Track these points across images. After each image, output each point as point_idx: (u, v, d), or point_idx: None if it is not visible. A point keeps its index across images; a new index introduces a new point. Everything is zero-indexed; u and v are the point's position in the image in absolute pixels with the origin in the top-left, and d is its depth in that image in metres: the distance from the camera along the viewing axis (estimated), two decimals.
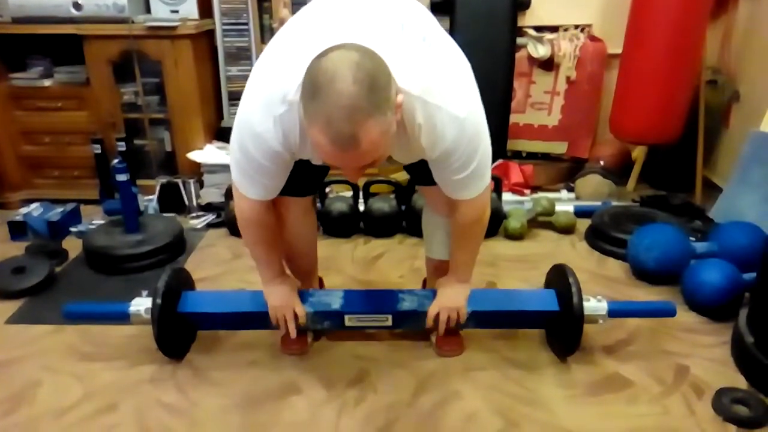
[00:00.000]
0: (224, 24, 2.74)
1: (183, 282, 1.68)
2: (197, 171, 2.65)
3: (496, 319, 1.64)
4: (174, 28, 2.46)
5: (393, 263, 2.19)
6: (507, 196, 2.62)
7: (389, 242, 2.36)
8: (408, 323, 1.63)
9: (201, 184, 2.65)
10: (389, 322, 1.61)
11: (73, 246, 2.28)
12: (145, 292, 1.62)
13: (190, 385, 1.54)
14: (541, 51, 2.76)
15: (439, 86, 1.15)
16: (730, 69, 2.66)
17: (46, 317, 1.83)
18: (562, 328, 1.59)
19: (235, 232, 2.38)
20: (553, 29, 2.82)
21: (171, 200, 2.59)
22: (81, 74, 2.61)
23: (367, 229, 2.41)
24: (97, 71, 2.54)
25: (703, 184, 2.66)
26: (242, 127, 1.21)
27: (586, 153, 2.91)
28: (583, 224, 2.41)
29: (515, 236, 2.35)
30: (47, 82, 2.61)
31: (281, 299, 1.54)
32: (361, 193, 2.43)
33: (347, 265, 2.18)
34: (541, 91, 2.88)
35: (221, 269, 2.15)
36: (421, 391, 1.51)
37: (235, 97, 2.79)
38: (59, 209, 2.45)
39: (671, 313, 1.63)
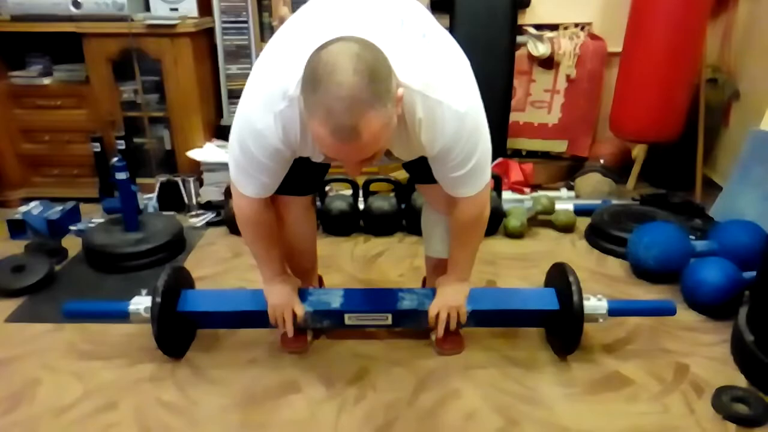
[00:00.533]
0: (224, 22, 2.73)
1: (182, 281, 1.68)
2: (197, 169, 2.65)
3: (495, 317, 1.64)
4: (173, 26, 2.46)
5: (393, 262, 2.19)
6: (507, 195, 2.61)
7: (389, 240, 2.36)
8: (408, 322, 1.63)
9: (201, 183, 2.65)
10: (389, 321, 1.61)
11: (72, 244, 2.28)
12: (144, 291, 1.62)
13: (190, 383, 1.54)
14: (541, 49, 2.75)
15: (439, 81, 1.15)
16: (730, 67, 2.66)
17: (46, 316, 1.83)
18: (562, 327, 1.58)
19: (234, 230, 2.38)
20: (553, 27, 2.82)
21: (170, 199, 2.59)
22: (80, 72, 2.61)
23: (366, 227, 2.40)
24: (96, 69, 2.53)
25: (703, 183, 2.66)
26: (242, 124, 1.21)
27: (586, 151, 2.91)
28: (583, 223, 2.41)
29: (515, 235, 2.35)
30: (46, 81, 2.61)
31: (281, 298, 1.53)
32: (360, 192, 2.43)
33: (347, 263, 2.17)
34: (541, 90, 2.88)
35: (221, 268, 2.15)
36: (421, 389, 1.51)
37: (235, 95, 2.80)
38: (59, 207, 2.44)
39: (671, 311, 1.63)
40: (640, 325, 1.76)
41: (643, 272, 2.02)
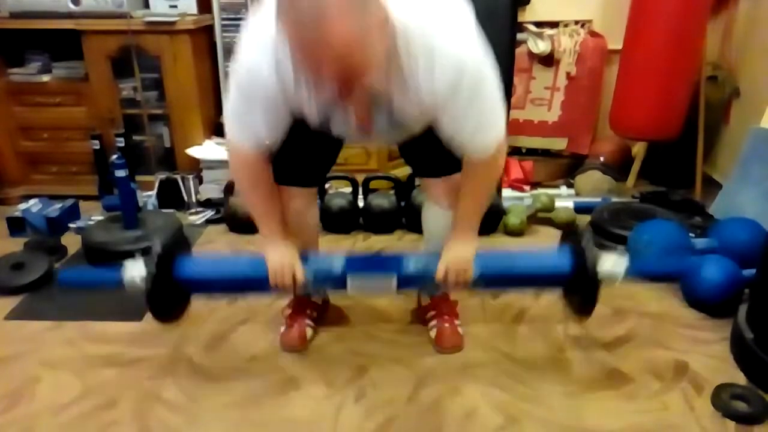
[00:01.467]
0: (223, 19, 2.72)
1: (179, 246, 1.57)
2: (196, 167, 2.65)
3: (507, 281, 1.57)
4: (173, 23, 2.45)
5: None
6: (507, 193, 2.61)
7: (389, 238, 2.35)
8: (413, 286, 1.55)
9: (200, 180, 2.65)
10: (394, 285, 1.49)
11: (72, 242, 2.28)
12: (138, 255, 1.52)
13: (190, 381, 1.54)
14: (541, 47, 2.75)
15: (438, 25, 1.12)
16: (730, 65, 2.66)
17: (46, 313, 1.83)
18: (577, 289, 1.50)
19: (234, 228, 2.38)
20: (554, 25, 2.81)
21: (170, 196, 2.59)
22: (79, 69, 2.60)
23: (366, 225, 2.40)
24: (95, 67, 2.53)
25: (703, 181, 2.66)
26: (239, 64, 1.20)
27: (586, 149, 2.91)
28: (583, 220, 2.41)
29: (515, 232, 2.35)
30: (46, 78, 2.61)
31: (281, 258, 1.45)
32: (360, 189, 2.42)
33: None
34: (541, 87, 2.88)
35: None
36: (421, 387, 1.51)
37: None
38: (58, 205, 2.44)
39: (694, 272, 1.51)
40: (639, 322, 1.76)
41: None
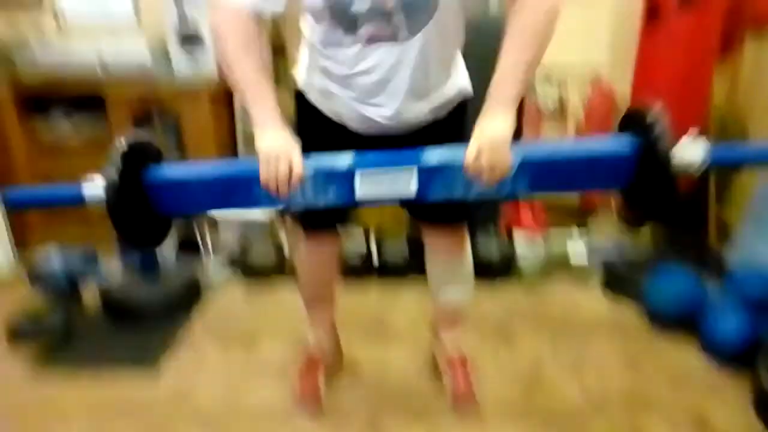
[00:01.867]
0: None
1: (148, 155, 1.29)
2: (214, 221, 2.70)
3: (555, 174, 1.23)
4: (194, 86, 2.55)
5: (406, 305, 2.17)
6: (519, 239, 2.62)
7: (402, 281, 2.34)
8: (438, 185, 1.20)
9: (218, 234, 2.69)
10: (414, 186, 1.19)
11: (91, 295, 2.31)
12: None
13: None
14: (549, 101, 2.80)
15: None
16: (738, 110, 2.68)
17: (62, 364, 1.85)
18: (643, 182, 1.23)
19: (249, 273, 2.38)
20: (561, 75, 2.87)
21: (188, 248, 2.63)
22: (102, 123, 2.70)
23: (380, 270, 2.39)
24: (118, 126, 2.62)
25: (717, 226, 2.64)
26: None
27: (598, 195, 2.91)
28: (597, 270, 2.40)
29: (528, 281, 2.34)
30: (69, 133, 2.70)
31: (277, 141, 1.18)
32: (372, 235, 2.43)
33: (358, 307, 2.17)
34: (551, 136, 2.91)
35: (237, 314, 2.17)
36: None
37: (252, 153, 2.85)
38: (78, 256, 2.48)
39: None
40: (657, 373, 1.73)
41: (659, 320, 1.99)
